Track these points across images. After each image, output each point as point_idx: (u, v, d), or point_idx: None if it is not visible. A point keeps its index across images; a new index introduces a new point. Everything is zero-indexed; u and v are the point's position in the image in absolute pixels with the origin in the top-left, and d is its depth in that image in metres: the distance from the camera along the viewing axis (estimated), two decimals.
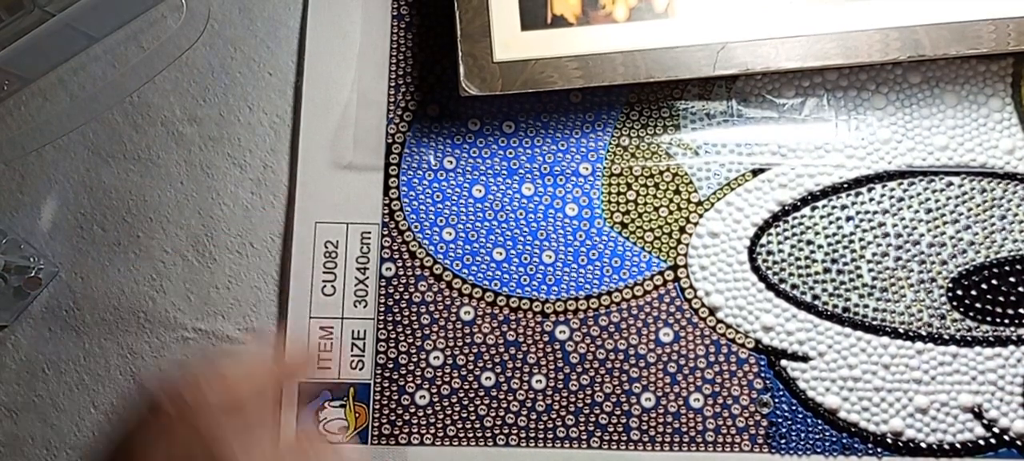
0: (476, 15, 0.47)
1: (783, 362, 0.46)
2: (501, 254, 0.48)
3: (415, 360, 0.47)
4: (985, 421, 0.45)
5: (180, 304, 0.48)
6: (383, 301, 0.47)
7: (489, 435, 0.46)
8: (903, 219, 0.47)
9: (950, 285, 0.47)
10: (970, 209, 0.47)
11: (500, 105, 0.49)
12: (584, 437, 0.46)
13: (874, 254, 0.47)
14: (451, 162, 0.49)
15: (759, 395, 0.46)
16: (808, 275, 0.47)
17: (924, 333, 0.46)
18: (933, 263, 0.47)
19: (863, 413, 0.46)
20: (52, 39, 0.48)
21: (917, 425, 0.46)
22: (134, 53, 0.51)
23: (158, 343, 0.48)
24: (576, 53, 0.46)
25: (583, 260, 0.48)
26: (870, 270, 0.47)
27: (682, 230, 0.48)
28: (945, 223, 0.47)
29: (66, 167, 0.49)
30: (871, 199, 0.47)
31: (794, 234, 0.47)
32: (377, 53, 0.50)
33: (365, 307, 0.47)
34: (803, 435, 0.46)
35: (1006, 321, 0.46)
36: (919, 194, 0.47)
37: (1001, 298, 0.46)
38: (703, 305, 0.47)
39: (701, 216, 0.48)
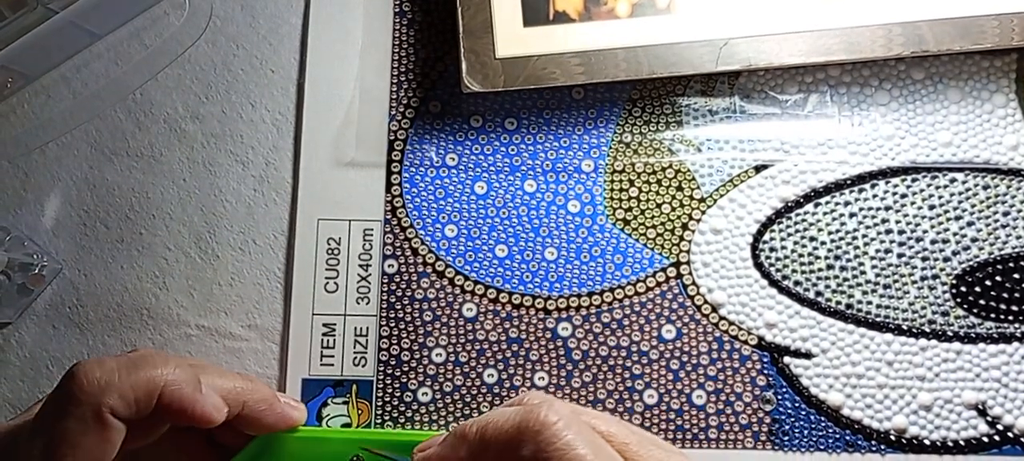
0: (478, 11, 0.47)
1: (786, 359, 0.46)
2: (503, 251, 0.48)
3: (417, 357, 0.47)
4: (989, 418, 0.45)
5: (183, 301, 0.48)
6: (385, 298, 0.47)
7: None
8: (906, 215, 0.47)
9: (954, 282, 0.46)
10: (974, 205, 0.47)
11: (502, 102, 0.49)
12: None
13: (877, 251, 0.47)
14: (453, 159, 0.49)
15: (762, 392, 0.46)
16: (811, 272, 0.47)
17: (928, 330, 0.46)
18: (936, 260, 0.47)
19: (866, 410, 0.46)
20: (55, 36, 0.48)
21: (921, 422, 0.45)
22: (137, 50, 0.51)
23: (161, 340, 0.48)
24: (578, 49, 0.46)
25: (585, 257, 0.48)
26: (873, 267, 0.47)
27: (685, 227, 0.48)
28: (949, 219, 0.47)
29: (69, 164, 0.50)
30: (874, 195, 0.47)
31: (797, 230, 0.47)
32: (379, 50, 0.50)
33: (367, 304, 0.47)
34: (806, 432, 0.46)
35: (1010, 318, 0.46)
36: (922, 190, 0.47)
37: (1005, 295, 0.46)
38: (706, 302, 0.47)
39: (704, 213, 0.48)
